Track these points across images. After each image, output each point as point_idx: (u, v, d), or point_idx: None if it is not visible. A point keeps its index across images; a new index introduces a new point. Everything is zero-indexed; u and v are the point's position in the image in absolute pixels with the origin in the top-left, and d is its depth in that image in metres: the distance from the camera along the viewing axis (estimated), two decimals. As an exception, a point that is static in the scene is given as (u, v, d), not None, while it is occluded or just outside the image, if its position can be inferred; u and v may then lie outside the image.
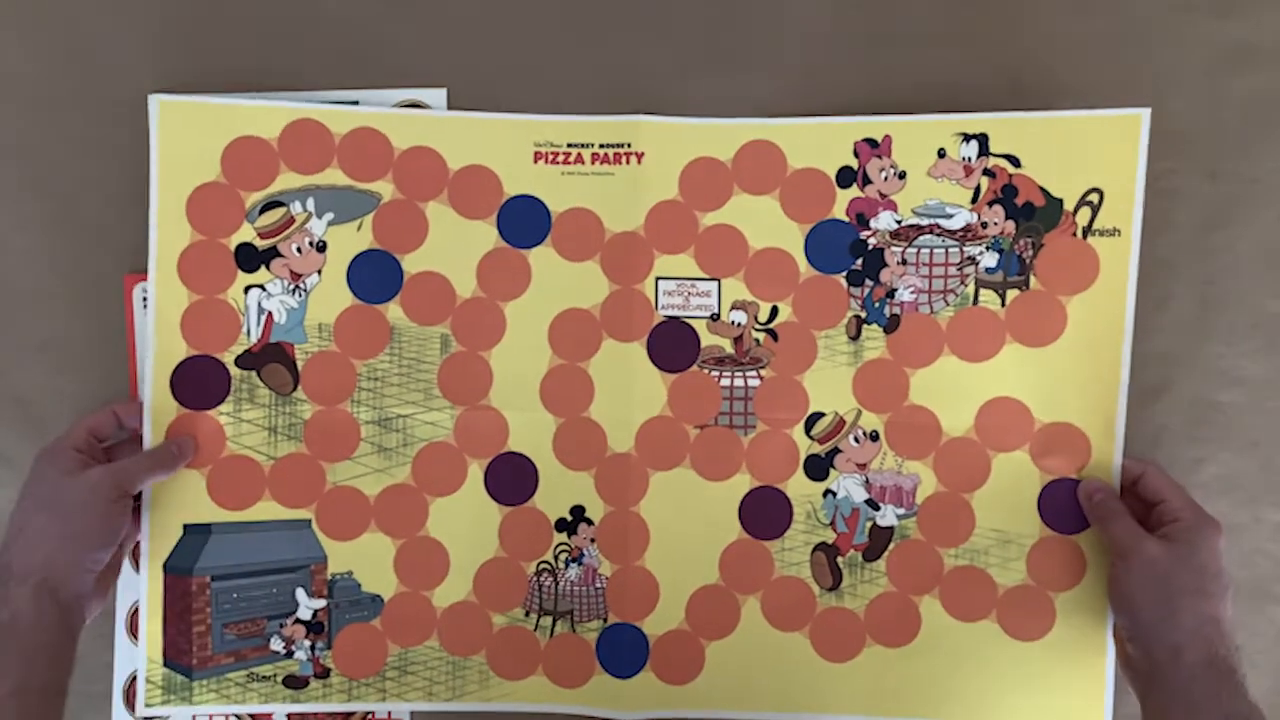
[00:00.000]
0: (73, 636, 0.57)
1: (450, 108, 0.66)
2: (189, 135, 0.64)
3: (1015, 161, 0.63)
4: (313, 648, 0.66)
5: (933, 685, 0.64)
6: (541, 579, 0.65)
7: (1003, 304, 0.63)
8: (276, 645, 0.66)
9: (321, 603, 0.65)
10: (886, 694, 0.64)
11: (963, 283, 0.64)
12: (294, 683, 0.65)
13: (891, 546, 0.64)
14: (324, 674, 0.66)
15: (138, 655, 0.65)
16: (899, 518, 0.64)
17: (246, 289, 0.65)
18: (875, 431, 0.64)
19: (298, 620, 0.66)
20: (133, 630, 0.67)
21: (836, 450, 0.65)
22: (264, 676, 0.65)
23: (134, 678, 0.66)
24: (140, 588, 0.65)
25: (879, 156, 0.64)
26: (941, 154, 0.63)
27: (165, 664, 0.65)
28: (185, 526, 0.65)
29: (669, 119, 0.64)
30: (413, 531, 0.65)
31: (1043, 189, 0.63)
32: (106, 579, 0.62)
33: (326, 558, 0.65)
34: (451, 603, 0.65)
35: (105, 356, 0.66)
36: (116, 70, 0.66)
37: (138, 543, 0.65)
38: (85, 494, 0.58)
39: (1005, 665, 0.63)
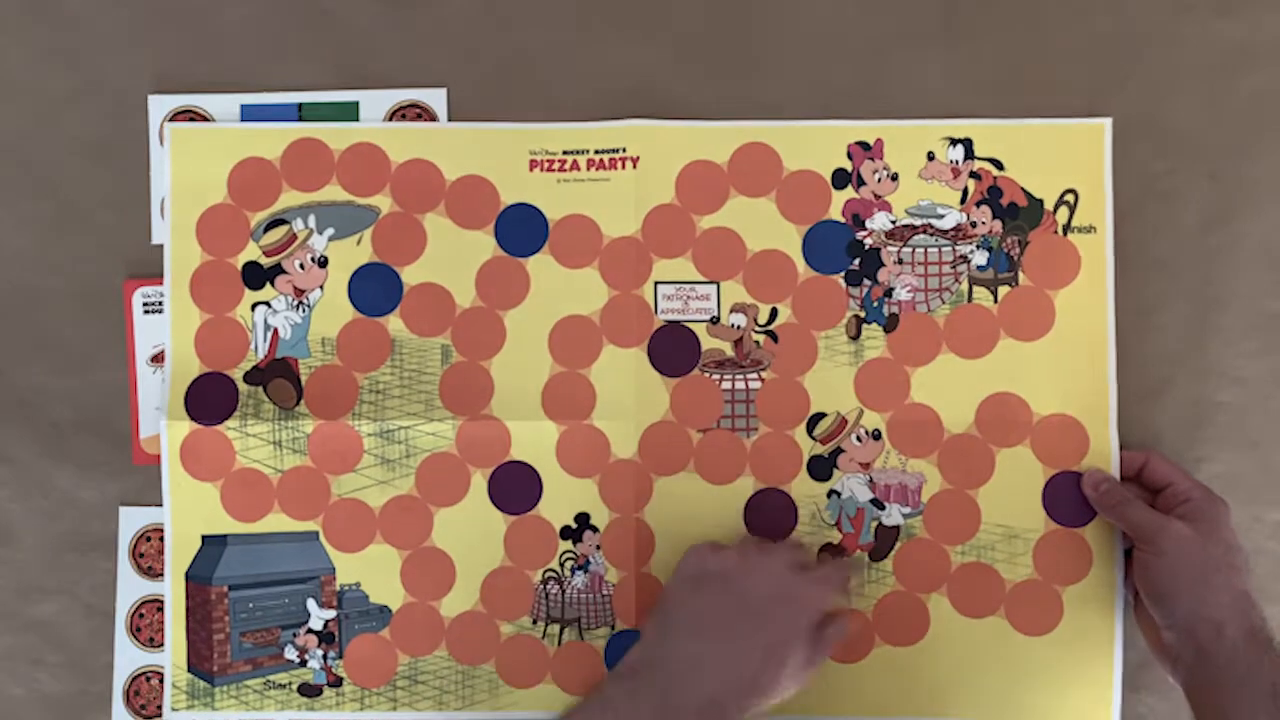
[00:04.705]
0: None
1: (450, 108, 0.66)
2: (199, 160, 0.65)
3: (999, 164, 0.64)
4: (325, 657, 0.66)
5: (943, 683, 0.63)
6: (548, 587, 0.66)
7: (995, 300, 0.64)
8: (291, 654, 0.66)
9: (331, 613, 0.66)
10: (897, 693, 0.63)
11: (957, 280, 0.64)
12: (309, 691, 0.66)
13: (898, 545, 0.64)
14: (337, 683, 0.66)
15: (163, 659, 0.66)
16: (905, 516, 0.64)
17: (253, 306, 0.66)
18: (878, 430, 0.64)
19: (310, 630, 0.66)
20: (133, 631, 0.67)
21: (839, 450, 0.65)
22: (280, 684, 0.66)
23: (134, 678, 0.67)
24: (165, 596, 0.66)
25: (871, 159, 0.64)
26: (931, 157, 0.64)
27: (189, 670, 0.66)
28: (203, 537, 0.66)
29: (663, 123, 0.65)
30: (418, 542, 0.66)
31: (1024, 190, 0.64)
32: None
33: (335, 569, 0.66)
34: (459, 612, 0.66)
35: (105, 357, 0.67)
36: (116, 70, 0.66)
37: (136, 546, 0.67)
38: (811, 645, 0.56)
39: (1015, 661, 0.63)
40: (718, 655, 0.54)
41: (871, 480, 0.64)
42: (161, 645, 0.67)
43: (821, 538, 0.65)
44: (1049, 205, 0.64)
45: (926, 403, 0.64)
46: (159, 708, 0.67)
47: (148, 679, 0.67)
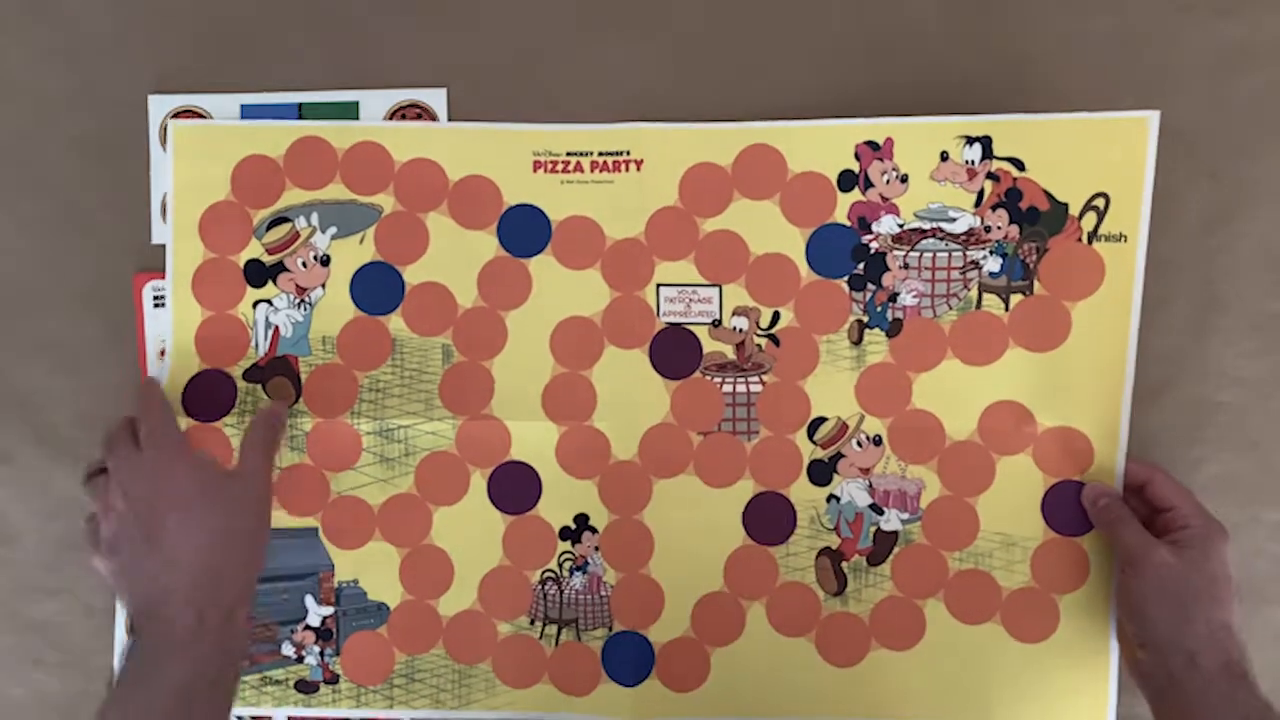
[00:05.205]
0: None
1: (450, 108, 0.66)
2: (202, 158, 0.65)
3: (1019, 165, 0.62)
4: (322, 654, 0.66)
5: (938, 688, 0.63)
6: (546, 587, 0.66)
7: (1006, 308, 0.63)
8: (288, 650, 0.66)
9: (329, 610, 0.66)
10: (892, 697, 0.64)
11: (966, 287, 0.63)
12: (305, 687, 0.66)
13: (896, 551, 0.64)
14: (334, 680, 0.66)
15: None
16: (903, 522, 0.64)
17: (255, 304, 0.66)
18: (878, 436, 0.64)
19: (307, 626, 0.66)
20: (133, 630, 0.67)
21: (840, 455, 0.64)
22: (277, 680, 0.66)
23: None
24: None
25: (880, 159, 0.63)
26: (944, 157, 0.63)
27: None
28: None
29: (667, 125, 0.64)
30: (417, 540, 0.66)
31: (1047, 193, 0.62)
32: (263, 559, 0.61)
33: (334, 566, 0.66)
34: (457, 611, 0.66)
35: (105, 356, 0.67)
36: (116, 70, 0.66)
37: None
38: (252, 487, 0.59)
39: (1010, 667, 0.63)
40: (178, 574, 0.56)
41: (871, 485, 0.64)
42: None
43: (820, 542, 0.65)
44: (1074, 210, 0.62)
45: (928, 409, 0.64)
46: (158, 705, 0.67)
47: (147, 676, 0.68)
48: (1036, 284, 0.62)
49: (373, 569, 0.66)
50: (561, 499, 0.65)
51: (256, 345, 0.66)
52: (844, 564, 0.64)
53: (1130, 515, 0.59)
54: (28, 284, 0.67)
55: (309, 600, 0.66)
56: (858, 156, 0.64)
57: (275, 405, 0.64)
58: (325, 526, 0.66)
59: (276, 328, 0.66)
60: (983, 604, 0.63)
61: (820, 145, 0.64)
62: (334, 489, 0.66)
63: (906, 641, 0.64)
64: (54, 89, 0.67)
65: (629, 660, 0.65)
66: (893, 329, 0.64)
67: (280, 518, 0.66)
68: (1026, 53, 0.64)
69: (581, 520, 0.65)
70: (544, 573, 0.66)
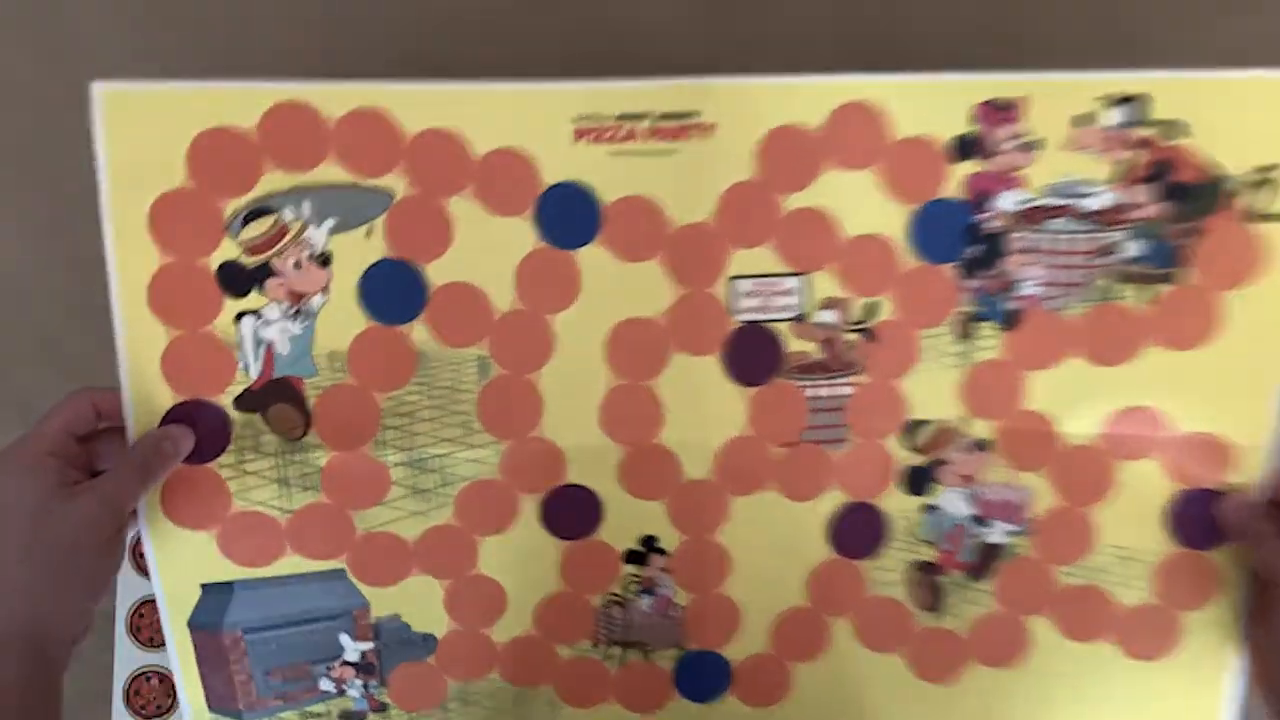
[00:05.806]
0: (59, 687, 0.50)
1: None
2: (145, 132, 0.51)
3: (1177, 131, 0.52)
4: (365, 686, 0.60)
5: (1042, 705, 0.59)
6: (610, 611, 0.59)
7: (1147, 299, 0.54)
8: (326, 685, 0.60)
9: (369, 644, 0.59)
10: (991, 714, 0.60)
11: (1099, 274, 0.54)
12: (351, 717, 0.61)
13: (1000, 565, 0.58)
14: (381, 709, 0.61)
15: (164, 659, 0.61)
16: (1009, 534, 0.58)
17: (238, 316, 0.54)
18: (984, 440, 0.56)
19: (345, 662, 0.60)
20: (133, 630, 0.66)
21: (939, 461, 0.57)
22: (317, 715, 0.60)
23: (134, 678, 0.66)
24: (168, 649, 0.58)
25: (1007, 122, 0.52)
26: (1083, 120, 0.52)
27: (211, 710, 0.59)
28: (203, 586, 0.57)
29: (743, 79, 0.52)
30: (462, 571, 0.58)
31: (1205, 165, 0.52)
32: (93, 613, 0.53)
33: (368, 603, 0.58)
34: (512, 637, 0.59)
35: (105, 356, 0.58)
36: (116, 70, 0.57)
37: (136, 545, 0.62)
38: (77, 531, 0.49)
39: (1123, 685, 0.58)
40: None
41: (974, 494, 0.57)
42: (162, 645, 0.61)
43: (914, 555, 0.58)
44: (1237, 185, 0.52)
45: (1042, 411, 0.56)
46: (159, 708, 0.66)
47: (147, 679, 0.66)
48: (1186, 271, 0.53)
49: (414, 602, 0.58)
50: (626, 522, 0.58)
51: (247, 367, 0.54)
52: (940, 578, 0.59)
53: (1275, 532, 0.53)
54: (28, 284, 0.66)
55: (344, 638, 0.59)
56: (977, 119, 0.52)
57: (173, 429, 0.54)
58: (353, 566, 0.58)
59: (270, 344, 0.54)
60: (1096, 621, 0.58)
61: (932, 104, 0.52)
62: (360, 527, 0.57)
63: (1008, 658, 0.59)
64: (54, 89, 0.64)
65: (703, 678, 0.60)
66: (1009, 322, 0.55)
67: (297, 563, 0.57)
68: (1025, 53, 0.58)
69: (649, 542, 0.58)
70: (608, 596, 0.59)
